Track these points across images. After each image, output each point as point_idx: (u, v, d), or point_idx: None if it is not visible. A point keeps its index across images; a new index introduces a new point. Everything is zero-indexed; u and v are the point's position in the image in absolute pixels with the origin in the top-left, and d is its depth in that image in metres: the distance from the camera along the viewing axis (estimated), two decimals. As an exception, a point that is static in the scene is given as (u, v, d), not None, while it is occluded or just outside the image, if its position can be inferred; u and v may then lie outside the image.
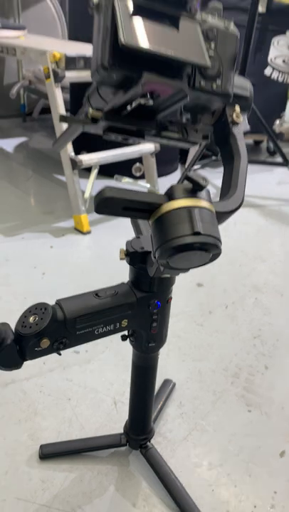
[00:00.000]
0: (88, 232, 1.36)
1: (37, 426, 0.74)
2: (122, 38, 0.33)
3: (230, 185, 0.43)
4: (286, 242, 1.43)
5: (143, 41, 0.34)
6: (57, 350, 0.50)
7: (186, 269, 0.41)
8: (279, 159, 1.84)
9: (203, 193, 0.38)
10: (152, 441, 0.69)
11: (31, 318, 0.48)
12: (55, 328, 0.48)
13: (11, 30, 1.60)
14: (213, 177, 1.94)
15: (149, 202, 0.37)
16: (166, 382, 0.83)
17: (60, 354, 0.51)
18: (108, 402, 0.79)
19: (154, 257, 0.39)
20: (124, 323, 0.53)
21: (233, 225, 1.52)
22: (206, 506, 0.63)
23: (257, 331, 1.01)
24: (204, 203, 0.37)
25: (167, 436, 0.74)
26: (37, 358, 0.49)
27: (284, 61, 2.00)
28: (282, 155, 1.72)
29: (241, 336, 0.99)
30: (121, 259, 0.51)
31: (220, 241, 0.37)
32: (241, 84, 0.45)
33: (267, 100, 2.04)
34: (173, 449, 0.72)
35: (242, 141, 0.45)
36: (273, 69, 2.01)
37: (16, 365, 0.49)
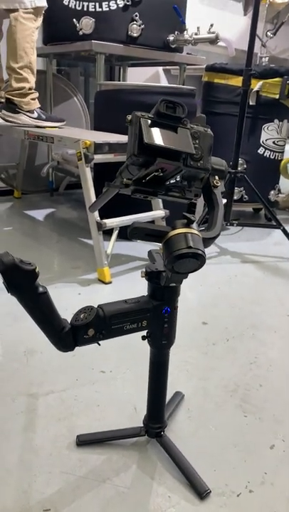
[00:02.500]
0: (110, 283, 1.60)
1: (73, 423, 0.92)
2: (145, 138, 0.60)
3: (212, 223, 0.67)
4: (279, 290, 1.64)
5: (157, 140, 0.60)
6: (98, 339, 0.71)
7: (185, 274, 0.64)
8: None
9: (194, 225, 0.62)
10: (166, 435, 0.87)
11: (82, 315, 0.70)
12: (98, 322, 0.70)
13: (55, 122, 2.00)
14: (217, 238, 2.22)
15: (161, 230, 0.62)
16: (177, 393, 1.01)
17: (99, 344, 0.73)
18: (129, 408, 0.97)
19: (165, 265, 0.62)
20: (144, 323, 0.75)
21: (234, 276, 1.75)
22: (209, 481, 0.79)
23: (253, 358, 1.20)
24: (194, 231, 0.61)
25: (178, 432, 0.91)
26: (84, 345, 0.71)
27: (274, 142, 2.36)
28: (276, 219, 1.99)
29: (240, 361, 1.18)
30: (142, 277, 0.75)
31: (204, 253, 0.61)
32: (220, 163, 0.71)
33: (261, 174, 2.37)
34: (183, 441, 0.89)
35: (220, 197, 0.69)
36: (265, 149, 2.36)
37: (70, 348, 0.70)
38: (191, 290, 1.59)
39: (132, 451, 0.86)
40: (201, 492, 0.76)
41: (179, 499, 0.76)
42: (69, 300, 1.46)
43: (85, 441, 0.86)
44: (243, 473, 0.82)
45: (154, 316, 0.75)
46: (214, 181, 0.69)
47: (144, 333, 0.78)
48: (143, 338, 0.79)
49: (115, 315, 0.71)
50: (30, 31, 1.88)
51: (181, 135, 0.63)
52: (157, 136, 0.61)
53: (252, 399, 1.03)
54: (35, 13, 1.86)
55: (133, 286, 1.58)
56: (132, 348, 1.17)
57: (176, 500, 0.76)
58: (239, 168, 2.12)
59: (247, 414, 0.98)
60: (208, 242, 0.65)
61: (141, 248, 1.95)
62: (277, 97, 2.24)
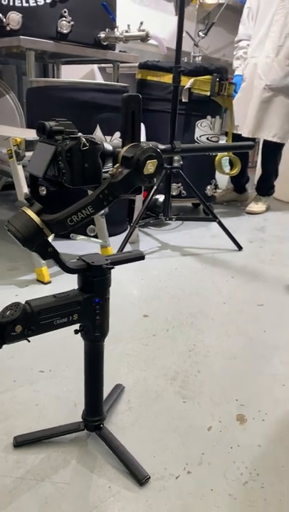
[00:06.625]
0: (49, 282, 1.58)
1: (10, 425, 0.90)
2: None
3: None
4: (216, 280, 1.70)
5: (29, 166, 0.69)
6: (27, 336, 0.70)
7: None
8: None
9: (35, 207, 0.65)
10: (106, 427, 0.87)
11: (8, 312, 0.69)
12: (25, 318, 0.69)
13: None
14: (156, 232, 2.27)
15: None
16: (117, 385, 1.02)
17: (29, 341, 0.71)
18: (69, 405, 0.97)
19: None
20: (76, 316, 0.74)
21: (174, 269, 1.78)
22: (148, 467, 0.80)
23: (192, 346, 1.23)
24: (27, 210, 0.64)
25: (118, 424, 0.92)
26: (13, 342, 0.69)
27: (208, 138, 2.43)
28: (212, 212, 2.05)
29: (179, 350, 1.21)
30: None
31: (19, 232, 0.63)
32: (129, 151, 0.65)
33: (198, 170, 2.43)
34: (123, 432, 0.89)
35: (102, 188, 0.66)
36: (200, 145, 2.43)
37: (-2, 346, 0.68)
38: (133, 284, 1.60)
39: (72, 447, 0.85)
40: (140, 479, 0.77)
41: (119, 488, 0.77)
42: (5, 302, 1.40)
43: (23, 442, 0.84)
44: (181, 456, 0.85)
45: (85, 309, 0.75)
46: (110, 171, 0.66)
47: (77, 326, 0.78)
48: (76, 331, 0.78)
49: (43, 310, 0.70)
50: None
51: (44, 155, 0.65)
52: (33, 161, 0.68)
53: (190, 385, 1.06)
54: None
55: (73, 285, 1.56)
56: (71, 346, 1.16)
57: (116, 490, 0.76)
58: (175, 164, 2.16)
59: (186, 399, 1.01)
60: (50, 223, 0.65)
61: (80, 246, 1.94)
62: (208, 94, 2.31)
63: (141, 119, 0.68)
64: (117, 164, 0.66)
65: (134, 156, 0.64)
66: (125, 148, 0.66)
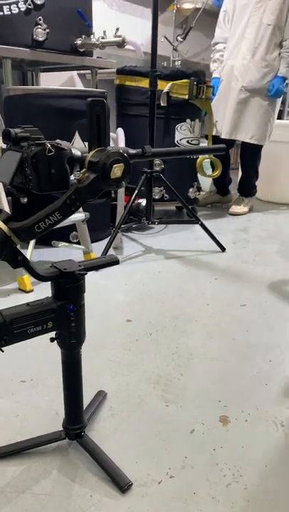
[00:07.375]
0: (31, 291, 1.56)
1: (-10, 438, 0.88)
2: None
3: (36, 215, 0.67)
4: (200, 282, 1.71)
5: None
6: (0, 346, 0.69)
7: None
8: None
9: (2, 215, 0.63)
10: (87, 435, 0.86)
11: (-20, 323, 0.68)
12: (-2, 328, 0.68)
13: None
14: (139, 237, 2.26)
15: None
16: (100, 392, 1.01)
17: (2, 351, 0.70)
18: (51, 414, 0.95)
19: None
20: (50, 324, 0.74)
21: (158, 273, 1.78)
22: (130, 474, 0.80)
23: (175, 348, 1.23)
24: None
25: (100, 431, 0.91)
26: (-14, 353, 0.68)
27: (188, 141, 2.44)
28: (193, 215, 2.06)
29: (162, 353, 1.20)
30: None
31: None
32: (95, 156, 0.65)
33: (179, 173, 2.44)
34: (105, 439, 0.88)
35: (68, 193, 0.65)
36: (181, 148, 2.44)
37: None
38: (116, 289, 1.59)
39: (53, 457, 0.84)
40: (122, 486, 0.77)
41: (101, 497, 0.76)
42: (-13, 312, 1.39)
43: (3, 454, 0.83)
44: (164, 460, 0.84)
45: (60, 316, 0.74)
46: (78, 176, 0.66)
47: (53, 334, 0.77)
48: (51, 339, 0.77)
49: (16, 319, 0.69)
50: None
51: (11, 162, 0.64)
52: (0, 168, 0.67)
53: (173, 388, 1.05)
54: None
55: (56, 292, 1.55)
56: (54, 354, 1.15)
57: (98, 498, 0.75)
58: (157, 168, 2.17)
59: (168, 403, 1.00)
60: (19, 230, 0.64)
61: (62, 253, 1.92)
62: (186, 97, 2.32)
63: (106, 124, 0.68)
64: (84, 169, 0.66)
65: (100, 160, 0.64)
66: (91, 153, 0.66)
